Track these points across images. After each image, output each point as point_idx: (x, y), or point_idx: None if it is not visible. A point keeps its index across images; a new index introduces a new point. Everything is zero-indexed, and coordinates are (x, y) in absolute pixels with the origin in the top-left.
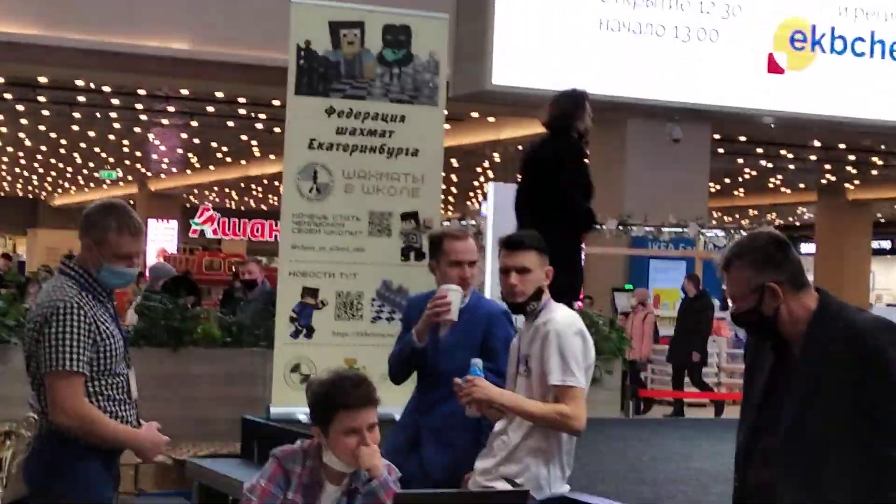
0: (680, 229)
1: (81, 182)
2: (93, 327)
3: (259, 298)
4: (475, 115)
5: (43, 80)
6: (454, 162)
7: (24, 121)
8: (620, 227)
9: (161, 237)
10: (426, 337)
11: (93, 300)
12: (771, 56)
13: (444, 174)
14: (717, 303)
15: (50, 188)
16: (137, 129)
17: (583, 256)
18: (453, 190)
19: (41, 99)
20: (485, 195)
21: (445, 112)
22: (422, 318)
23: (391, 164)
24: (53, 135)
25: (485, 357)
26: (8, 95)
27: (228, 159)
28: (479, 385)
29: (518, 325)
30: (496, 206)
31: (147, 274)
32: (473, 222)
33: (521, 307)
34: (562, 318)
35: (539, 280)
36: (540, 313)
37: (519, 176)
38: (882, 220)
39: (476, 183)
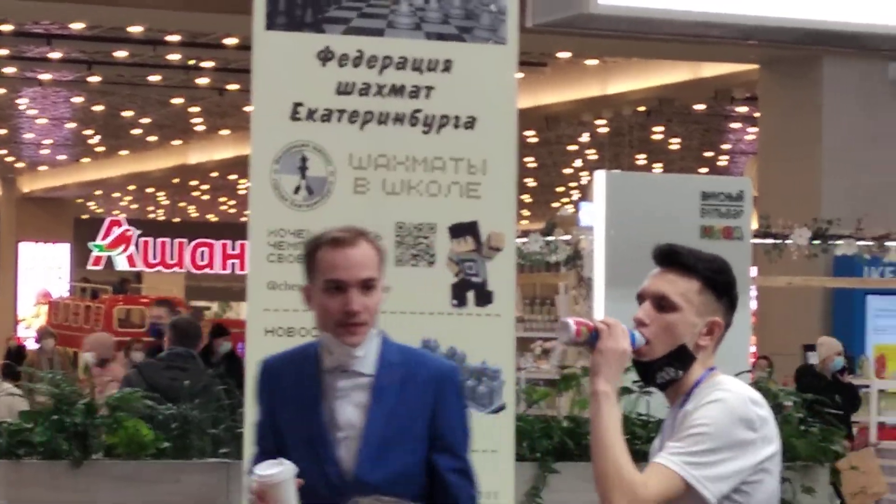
0: None
1: None
2: None
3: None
4: (564, 55)
5: None
6: (529, 135)
7: None
8: (816, 241)
9: (41, 271)
10: None
11: None
12: None
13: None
14: None
15: None
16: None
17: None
18: (528, 183)
19: None
20: (583, 192)
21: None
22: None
23: (431, 144)
24: None
25: (438, 448)
26: None
27: (152, 139)
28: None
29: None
30: (609, 211)
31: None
32: (567, 237)
33: (646, 372)
34: (728, 396)
35: (687, 328)
36: (692, 394)
37: None
38: None
39: (567, 171)
